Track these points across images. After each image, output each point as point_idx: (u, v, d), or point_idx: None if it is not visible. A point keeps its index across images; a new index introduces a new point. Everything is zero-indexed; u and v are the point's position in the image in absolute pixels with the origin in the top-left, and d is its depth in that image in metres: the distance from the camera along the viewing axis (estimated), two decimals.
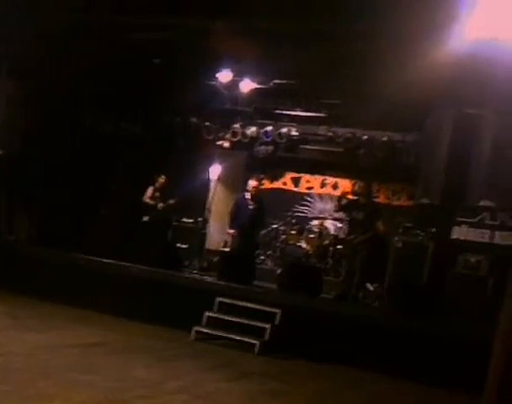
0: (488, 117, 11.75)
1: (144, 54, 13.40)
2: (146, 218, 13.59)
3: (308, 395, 7.52)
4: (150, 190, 13.70)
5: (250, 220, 12.23)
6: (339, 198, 13.24)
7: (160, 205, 13.56)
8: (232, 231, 12.55)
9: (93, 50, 12.78)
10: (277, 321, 9.78)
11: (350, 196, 12.82)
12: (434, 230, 11.94)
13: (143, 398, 6.00)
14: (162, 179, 13.74)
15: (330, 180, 16.08)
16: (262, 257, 14.58)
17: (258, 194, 12.53)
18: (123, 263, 11.64)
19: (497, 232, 11.20)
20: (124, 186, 14.78)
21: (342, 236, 13.84)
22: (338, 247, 13.63)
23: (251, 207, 12.29)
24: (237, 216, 12.44)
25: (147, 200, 13.65)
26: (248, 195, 12.41)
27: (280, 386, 7.65)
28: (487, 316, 8.77)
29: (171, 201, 13.58)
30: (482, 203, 11.61)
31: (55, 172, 13.26)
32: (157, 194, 13.68)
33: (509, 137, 10.94)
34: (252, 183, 12.50)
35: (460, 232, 11.56)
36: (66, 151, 13.53)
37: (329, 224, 15.04)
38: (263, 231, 13.62)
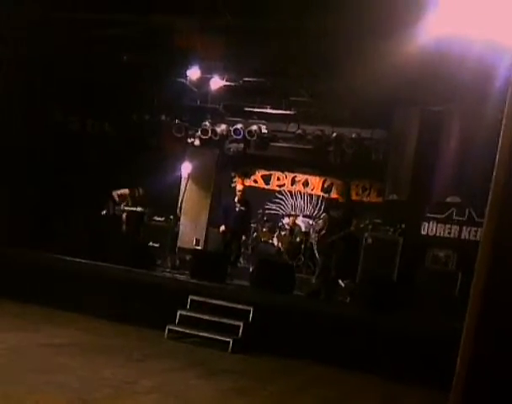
0: (454, 113, 11.89)
1: (112, 52, 13.32)
2: (104, 212, 13.58)
3: (280, 392, 7.55)
4: (125, 191, 13.68)
5: (237, 222, 12.66)
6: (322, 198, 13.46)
7: (123, 207, 13.57)
8: (222, 227, 12.90)
9: (61, 47, 12.66)
10: (250, 319, 9.83)
11: (326, 195, 13.02)
12: (403, 226, 12.08)
13: (114, 398, 5.98)
14: (140, 192, 13.75)
15: (300, 177, 16.19)
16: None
17: (244, 197, 12.90)
18: (94, 263, 11.58)
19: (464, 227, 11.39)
20: (92, 184, 14.66)
21: (313, 233, 13.98)
22: (313, 243, 13.76)
23: (238, 210, 12.68)
24: (224, 218, 12.89)
25: (115, 196, 13.60)
26: (235, 198, 12.82)
27: (251, 384, 7.68)
28: (456, 310, 8.91)
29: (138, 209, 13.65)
30: (449, 199, 11.77)
31: (21, 170, 13.11)
32: (129, 199, 13.66)
33: (475, 133, 11.08)
34: (239, 186, 13.06)
35: (429, 228, 11.72)
36: (34, 148, 13.38)
37: (301, 221, 15.12)
38: None
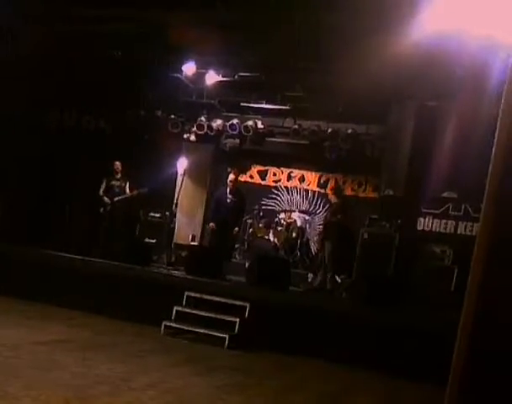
0: (450, 109, 11.89)
1: (107, 47, 13.29)
2: (101, 209, 13.51)
3: (277, 387, 7.55)
4: (103, 184, 13.65)
5: (229, 214, 12.50)
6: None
7: (117, 198, 13.51)
8: (211, 224, 12.85)
9: (56, 43, 12.63)
10: (246, 315, 9.83)
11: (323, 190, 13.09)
12: (399, 221, 12.09)
13: (111, 395, 5.97)
14: (116, 167, 13.64)
15: (296, 173, 16.18)
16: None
17: (236, 187, 12.79)
18: (90, 259, 11.57)
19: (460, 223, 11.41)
20: (88, 181, 14.61)
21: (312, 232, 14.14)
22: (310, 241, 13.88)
23: (229, 201, 12.54)
24: (216, 210, 12.75)
25: (102, 195, 13.52)
26: (227, 189, 12.68)
27: (248, 379, 7.68)
28: (452, 305, 8.91)
29: (135, 192, 13.54)
30: (445, 194, 11.78)
31: (18, 167, 13.10)
32: (116, 183, 13.57)
33: (471, 128, 11.08)
34: (231, 176, 12.74)
35: (425, 223, 11.74)
36: (30, 145, 13.35)
37: (297, 216, 15.13)
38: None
